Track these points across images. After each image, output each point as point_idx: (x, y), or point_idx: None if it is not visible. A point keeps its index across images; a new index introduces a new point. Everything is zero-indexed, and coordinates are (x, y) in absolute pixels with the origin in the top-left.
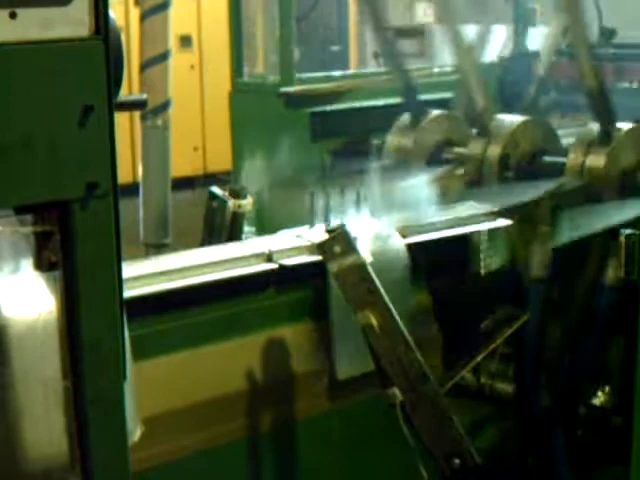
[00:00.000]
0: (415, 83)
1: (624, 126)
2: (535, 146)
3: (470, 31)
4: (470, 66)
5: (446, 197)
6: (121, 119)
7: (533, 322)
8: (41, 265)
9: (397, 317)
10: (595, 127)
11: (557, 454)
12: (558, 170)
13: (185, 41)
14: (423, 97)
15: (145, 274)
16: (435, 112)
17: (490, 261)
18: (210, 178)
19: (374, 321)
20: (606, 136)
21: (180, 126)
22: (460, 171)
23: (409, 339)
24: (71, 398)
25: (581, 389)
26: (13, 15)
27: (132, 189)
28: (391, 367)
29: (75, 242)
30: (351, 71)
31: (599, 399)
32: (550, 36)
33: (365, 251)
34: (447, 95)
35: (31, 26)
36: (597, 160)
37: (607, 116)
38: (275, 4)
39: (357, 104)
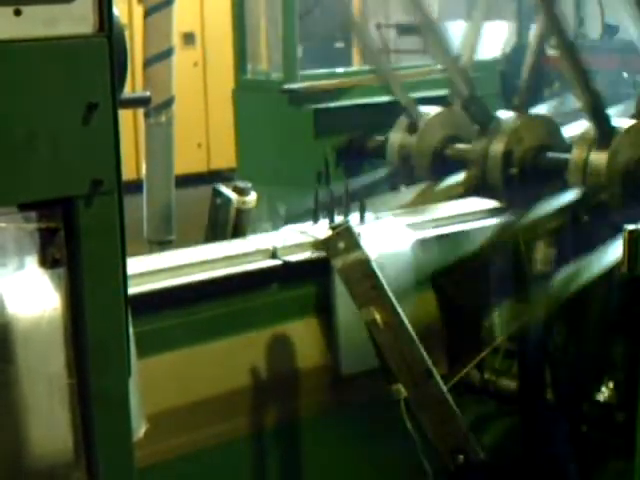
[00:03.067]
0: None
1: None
2: (538, 142)
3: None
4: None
5: None
6: (125, 116)
7: (537, 318)
8: (46, 262)
9: (401, 313)
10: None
11: (561, 450)
12: (561, 166)
13: (188, 38)
14: (425, 94)
15: (149, 271)
16: (439, 109)
17: None
18: (214, 175)
19: (378, 317)
20: (605, 138)
21: (184, 123)
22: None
23: (413, 335)
24: (76, 395)
25: (585, 385)
26: (18, 12)
27: (136, 186)
28: (395, 363)
29: (80, 239)
30: (354, 68)
31: (603, 395)
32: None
33: (369, 247)
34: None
35: (35, 23)
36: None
37: (602, 119)
38: (278, 0)
39: (360, 101)
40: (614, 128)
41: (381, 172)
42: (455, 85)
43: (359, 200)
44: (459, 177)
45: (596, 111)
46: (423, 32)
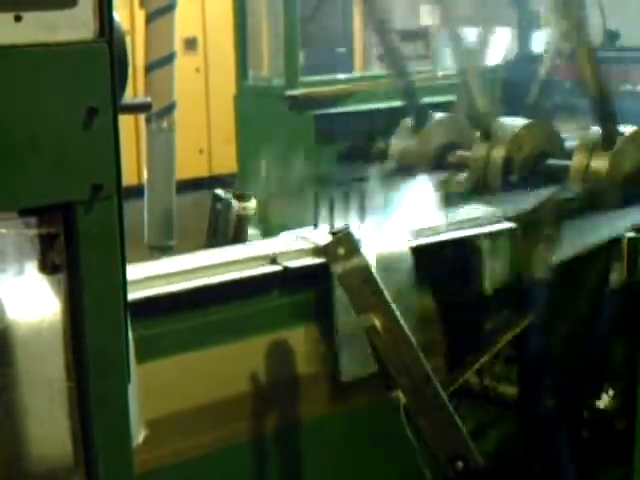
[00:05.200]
0: (414, 87)
1: (627, 129)
2: (539, 149)
3: (473, 34)
4: (471, 69)
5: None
6: (126, 121)
7: (537, 324)
8: (45, 267)
9: (401, 319)
10: (598, 130)
11: (561, 456)
12: (562, 173)
13: (190, 44)
14: (426, 100)
15: (149, 276)
16: (439, 115)
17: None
18: (215, 180)
19: (378, 323)
20: (609, 139)
21: (185, 129)
22: (460, 177)
23: (413, 341)
24: (75, 400)
25: (585, 391)
26: (18, 18)
27: (137, 191)
28: (395, 369)
29: (79, 244)
30: (356, 74)
31: (603, 402)
32: (552, 39)
33: (369, 253)
34: (451, 98)
35: (36, 29)
36: (600, 163)
37: (609, 119)
38: (280, 7)
39: (361, 107)
40: (618, 132)
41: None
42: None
43: (360, 205)
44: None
45: (605, 112)
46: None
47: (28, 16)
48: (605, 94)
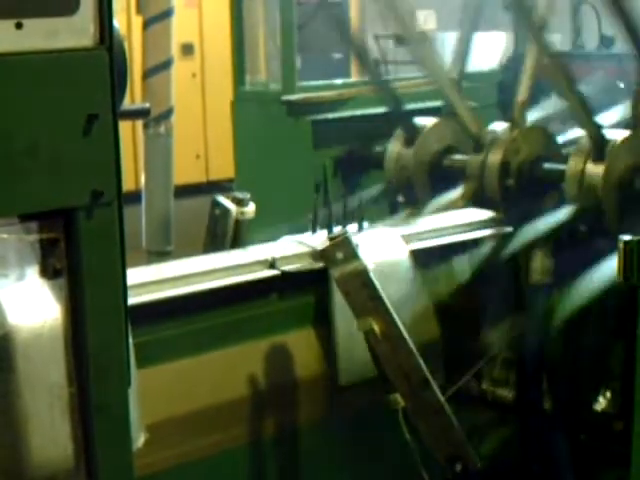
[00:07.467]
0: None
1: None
2: (535, 153)
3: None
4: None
5: None
6: (123, 127)
7: (535, 327)
8: (46, 272)
9: (399, 323)
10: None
11: (560, 459)
12: (558, 177)
13: (187, 49)
14: (422, 105)
15: (149, 281)
16: (436, 120)
17: None
18: (212, 186)
19: (376, 327)
20: (598, 149)
21: (182, 134)
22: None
23: (411, 345)
24: (76, 404)
25: (583, 394)
26: (19, 25)
27: (134, 197)
28: (393, 373)
29: (80, 249)
30: (352, 79)
31: (601, 404)
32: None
33: (367, 258)
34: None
35: (36, 36)
36: (596, 167)
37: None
38: (277, 12)
39: (359, 112)
40: (608, 141)
41: (379, 187)
42: (448, 97)
43: (357, 211)
44: (456, 192)
45: (590, 126)
46: (412, 44)
47: (29, 23)
48: (587, 111)
